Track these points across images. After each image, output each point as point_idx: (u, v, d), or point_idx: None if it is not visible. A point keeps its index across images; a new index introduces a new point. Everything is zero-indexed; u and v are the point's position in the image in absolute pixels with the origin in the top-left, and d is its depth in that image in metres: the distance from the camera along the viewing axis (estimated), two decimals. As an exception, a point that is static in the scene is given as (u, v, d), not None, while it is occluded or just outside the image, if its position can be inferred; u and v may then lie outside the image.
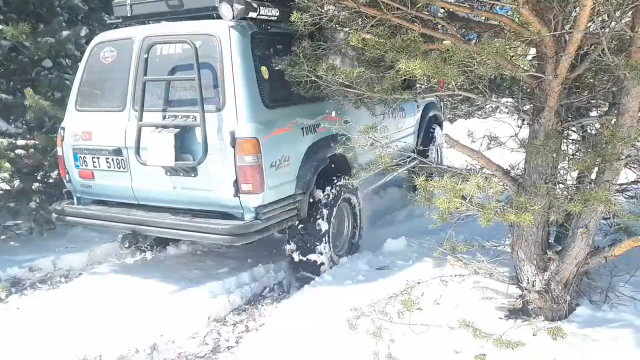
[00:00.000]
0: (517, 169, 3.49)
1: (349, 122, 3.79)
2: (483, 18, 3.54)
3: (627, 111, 2.93)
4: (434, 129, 6.69)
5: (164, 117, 3.74)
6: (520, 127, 3.59)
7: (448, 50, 2.95)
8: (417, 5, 3.08)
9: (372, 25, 3.28)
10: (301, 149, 3.96)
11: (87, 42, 5.85)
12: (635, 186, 3.97)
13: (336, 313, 3.30)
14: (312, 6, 3.33)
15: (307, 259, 4.08)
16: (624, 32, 2.87)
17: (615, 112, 3.07)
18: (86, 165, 4.08)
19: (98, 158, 4.00)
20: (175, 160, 3.57)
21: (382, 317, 3.10)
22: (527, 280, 3.25)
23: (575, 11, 2.95)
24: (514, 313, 3.32)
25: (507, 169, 3.46)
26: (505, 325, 3.03)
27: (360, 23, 3.39)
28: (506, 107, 3.49)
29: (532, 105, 3.40)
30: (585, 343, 2.90)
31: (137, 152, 3.74)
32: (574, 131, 3.73)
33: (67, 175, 4.20)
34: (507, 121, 3.61)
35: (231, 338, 3.50)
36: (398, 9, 3.06)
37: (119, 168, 3.94)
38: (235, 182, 3.51)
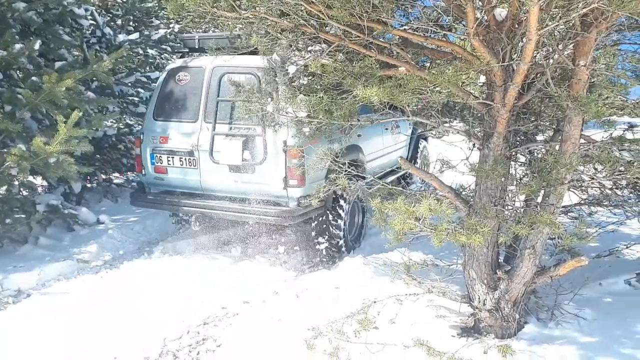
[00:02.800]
0: (469, 190, 3.62)
1: (360, 135, 5.39)
2: (436, 46, 3.69)
3: (570, 138, 3.11)
4: (421, 143, 8.15)
5: (230, 128, 4.86)
6: (472, 150, 3.74)
7: (403, 77, 3.05)
8: (374, 33, 3.19)
9: (329, 52, 3.37)
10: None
11: (41, 56, 5.76)
12: (577, 207, 4.21)
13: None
14: (270, 32, 3.39)
15: (331, 243, 5.09)
16: (566, 64, 3.05)
17: (559, 138, 3.25)
18: (161, 163, 5.27)
19: (172, 157, 5.18)
20: (242, 160, 4.72)
21: (339, 336, 3.14)
22: (479, 299, 3.37)
23: (522, 43, 3.11)
24: (466, 331, 3.42)
25: (459, 191, 3.59)
26: (458, 344, 3.13)
27: (317, 50, 3.47)
28: (457, 132, 3.62)
29: (482, 130, 3.55)
30: (532, 359, 3.02)
31: (211, 153, 4.88)
32: (522, 155, 3.91)
33: (142, 170, 5.40)
34: (459, 145, 3.75)
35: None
36: (356, 35, 3.15)
37: (190, 165, 5.08)
38: (285, 178, 4.66)
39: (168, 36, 9.06)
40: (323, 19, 2.94)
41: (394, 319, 3.32)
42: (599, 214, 4.45)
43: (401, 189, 3.65)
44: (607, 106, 2.86)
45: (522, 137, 3.95)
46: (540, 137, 4.11)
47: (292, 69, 3.97)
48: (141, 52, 8.70)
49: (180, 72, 5.19)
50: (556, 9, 2.66)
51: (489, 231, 2.97)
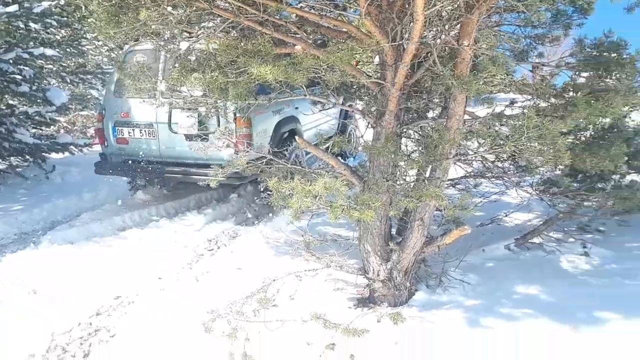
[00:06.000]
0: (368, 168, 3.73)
1: (298, 108, 6.34)
2: (333, 25, 3.71)
3: (454, 115, 3.28)
4: (349, 118, 8.69)
5: (185, 102, 4.88)
6: (366, 128, 3.85)
7: (297, 56, 3.04)
8: (268, 10, 3.14)
9: (223, 29, 3.27)
10: (272, 124, 5.87)
11: None
12: (464, 180, 4.52)
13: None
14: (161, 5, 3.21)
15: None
16: (452, 44, 3.20)
17: (446, 115, 3.43)
18: (123, 135, 5.83)
19: (133, 130, 5.77)
20: (198, 130, 5.28)
21: (238, 317, 3.13)
22: (373, 270, 3.51)
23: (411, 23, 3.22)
24: (362, 302, 3.57)
25: (354, 168, 3.69)
26: (354, 314, 3.25)
27: (211, 26, 3.35)
28: (352, 111, 3.70)
29: (376, 108, 3.66)
30: (422, 325, 3.22)
31: (169, 125, 5.50)
32: (415, 132, 4.09)
33: (105, 142, 5.95)
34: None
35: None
36: (252, 12, 3.08)
37: (150, 136, 5.71)
38: (235, 144, 5.11)
39: (53, 9, 8.28)
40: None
41: (294, 295, 3.38)
42: (485, 185, 4.82)
43: (300, 167, 3.69)
44: (487, 84, 3.03)
45: (415, 115, 4.13)
46: (431, 115, 4.31)
47: (184, 46, 3.81)
48: (22, 26, 7.88)
49: (138, 53, 5.60)
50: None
51: (381, 206, 3.09)
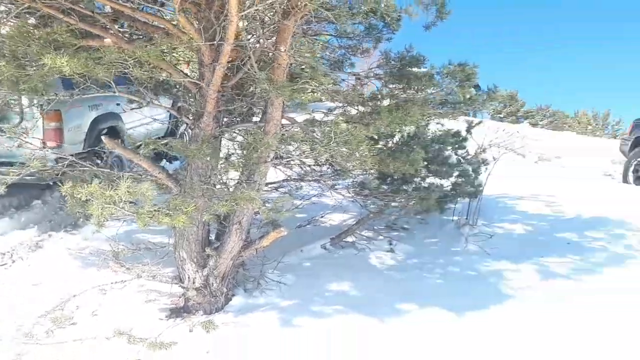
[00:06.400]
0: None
1: (119, 104, 5.74)
2: (150, 20, 3.49)
3: (272, 119, 3.31)
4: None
5: None
6: (185, 129, 3.71)
7: (99, 49, 2.78)
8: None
9: (17, 15, 2.86)
10: (88, 120, 5.37)
11: None
12: (286, 183, 4.63)
13: None
14: None
15: None
16: (270, 49, 3.22)
17: (265, 119, 3.45)
18: None
19: None
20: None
21: (27, 340, 2.75)
22: (189, 278, 3.39)
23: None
24: (176, 312, 3.41)
25: (173, 172, 3.52)
26: (165, 326, 3.09)
27: (2, 10, 2.92)
28: (168, 110, 3.53)
29: (195, 109, 3.54)
30: (236, 330, 3.19)
31: None
32: (240, 135, 4.05)
33: None
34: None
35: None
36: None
37: None
38: (42, 140, 4.61)
39: None
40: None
41: (97, 310, 3.09)
42: (307, 188, 5.00)
43: (108, 170, 3.39)
44: (298, 91, 3.11)
45: (239, 118, 4.09)
46: (256, 119, 4.32)
47: None
48: None
49: None
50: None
51: (194, 210, 2.97)
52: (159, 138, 6.79)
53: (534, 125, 23.72)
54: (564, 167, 9.89)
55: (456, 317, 3.43)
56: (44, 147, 4.50)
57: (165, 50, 3.43)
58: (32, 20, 3.13)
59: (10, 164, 4.33)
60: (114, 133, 5.77)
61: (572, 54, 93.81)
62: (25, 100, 4.57)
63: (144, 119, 6.62)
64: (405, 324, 3.35)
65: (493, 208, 5.98)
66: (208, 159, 3.19)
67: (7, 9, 3.02)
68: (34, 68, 3.03)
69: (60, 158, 3.48)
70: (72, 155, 3.66)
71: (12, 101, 4.32)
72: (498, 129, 6.03)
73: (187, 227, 3.29)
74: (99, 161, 4.13)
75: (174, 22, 3.27)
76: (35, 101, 4.35)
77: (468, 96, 3.94)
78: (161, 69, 3.34)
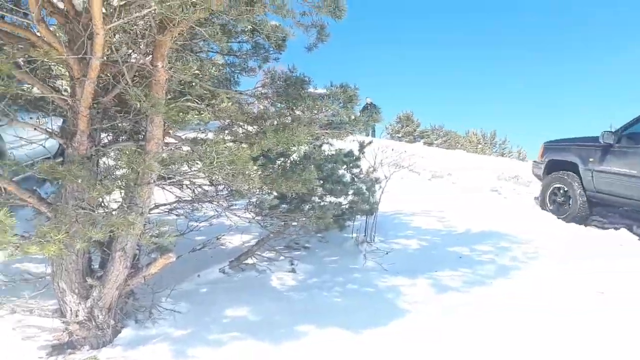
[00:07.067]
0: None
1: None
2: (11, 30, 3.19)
3: (153, 138, 3.12)
4: None
5: None
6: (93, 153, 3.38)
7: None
8: None
9: None
10: None
11: None
12: (182, 205, 4.39)
13: None
14: None
15: None
16: (146, 65, 3.05)
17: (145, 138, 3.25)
18: None
19: None
20: None
21: None
22: (71, 311, 3.07)
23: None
24: (58, 348, 3.07)
25: (49, 196, 3.21)
26: (43, 366, 2.74)
27: None
28: (35, 129, 3.23)
29: (68, 128, 3.26)
30: (124, 365, 2.91)
31: None
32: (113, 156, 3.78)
33: None
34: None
35: None
36: None
37: None
38: None
39: None
40: None
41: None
42: (207, 210, 4.78)
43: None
44: (173, 109, 2.96)
45: (125, 136, 3.83)
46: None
47: None
48: None
49: None
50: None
51: (66, 237, 2.70)
52: (47, 158, 6.22)
53: (430, 144, 25.14)
54: (454, 183, 10.48)
55: (353, 334, 3.42)
56: None
57: (33, 63, 3.15)
58: None
59: None
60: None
61: (465, 75, 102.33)
62: None
63: (34, 137, 6.11)
64: (301, 346, 3.27)
65: (389, 224, 6.15)
66: (80, 180, 2.92)
67: None
68: None
69: None
70: None
71: None
72: (387, 148, 6.24)
73: (65, 255, 2.99)
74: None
75: (38, 34, 3.03)
76: None
77: (353, 117, 4.01)
78: (28, 84, 3.07)
